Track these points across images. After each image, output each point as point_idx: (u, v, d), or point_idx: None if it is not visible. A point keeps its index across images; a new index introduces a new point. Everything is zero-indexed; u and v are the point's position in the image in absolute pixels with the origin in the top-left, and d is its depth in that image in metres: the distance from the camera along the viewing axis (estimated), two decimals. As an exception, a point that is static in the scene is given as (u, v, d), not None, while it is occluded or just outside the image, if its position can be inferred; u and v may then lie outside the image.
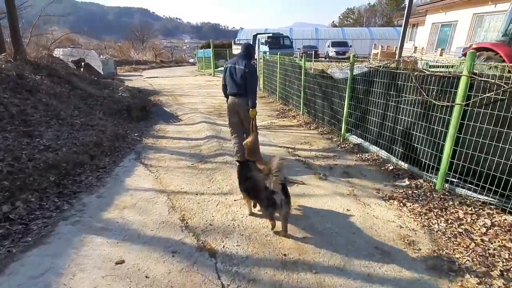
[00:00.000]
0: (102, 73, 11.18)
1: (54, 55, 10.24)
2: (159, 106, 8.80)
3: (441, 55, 14.09)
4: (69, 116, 4.64)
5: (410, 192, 3.22)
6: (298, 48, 23.43)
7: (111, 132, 4.76)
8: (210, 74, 17.25)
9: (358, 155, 4.51)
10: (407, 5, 7.65)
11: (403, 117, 3.73)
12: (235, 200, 3.07)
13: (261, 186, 2.35)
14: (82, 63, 9.27)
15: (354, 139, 4.94)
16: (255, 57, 19.88)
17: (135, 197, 3.11)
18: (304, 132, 5.90)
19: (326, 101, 5.77)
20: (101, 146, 4.15)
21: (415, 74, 3.46)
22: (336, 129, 5.47)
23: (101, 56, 18.45)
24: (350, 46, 26.38)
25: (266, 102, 9.16)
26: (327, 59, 20.28)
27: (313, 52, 20.18)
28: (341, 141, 5.16)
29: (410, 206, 2.96)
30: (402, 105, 3.73)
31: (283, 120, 6.95)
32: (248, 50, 3.83)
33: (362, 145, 4.70)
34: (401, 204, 3.01)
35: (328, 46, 26.02)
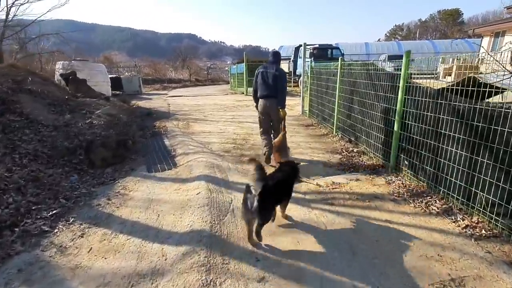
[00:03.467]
0: (108, 92, 9.21)
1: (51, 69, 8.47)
2: (159, 137, 6.10)
3: None
4: None
5: None
6: (348, 63, 19.95)
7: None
8: (243, 93, 14.66)
9: None
10: None
11: None
12: None
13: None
14: (71, 77, 7.29)
15: None
16: (297, 73, 17.06)
17: None
18: (420, 225, 2.48)
19: (491, 153, 2.33)
20: None
21: None
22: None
23: (127, 73, 17.24)
24: (413, 60, 21.93)
25: (315, 135, 5.89)
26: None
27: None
28: None
29: None
30: None
31: (356, 178, 3.59)
32: (277, 57, 4.18)
33: None
34: None
35: (384, 61, 22.01)
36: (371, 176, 3.60)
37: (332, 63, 6.09)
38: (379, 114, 3.96)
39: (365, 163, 4.04)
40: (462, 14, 62.88)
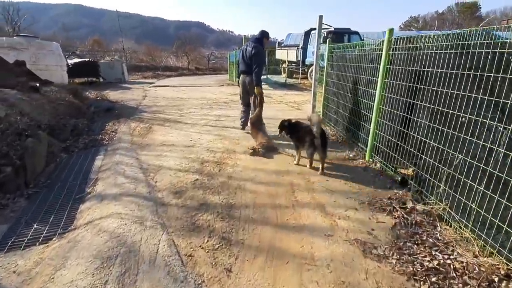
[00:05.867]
0: (63, 79, 7.10)
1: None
2: (92, 151, 3.97)
3: None
4: None
5: None
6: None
7: None
8: (241, 85, 12.36)
9: None
10: None
11: None
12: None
13: (307, 133, 3.06)
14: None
15: None
16: (306, 63, 14.60)
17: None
18: None
19: None
20: None
21: None
22: None
23: (107, 57, 15.03)
24: (440, 51, 19.14)
25: (334, 158, 3.60)
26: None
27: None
28: None
29: None
30: None
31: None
32: (262, 35, 4.28)
33: None
34: None
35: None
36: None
37: (366, 41, 3.78)
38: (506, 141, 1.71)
39: (460, 258, 1.81)
40: (481, 7, 58.94)
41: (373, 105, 3.26)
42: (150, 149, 3.99)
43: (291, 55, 14.58)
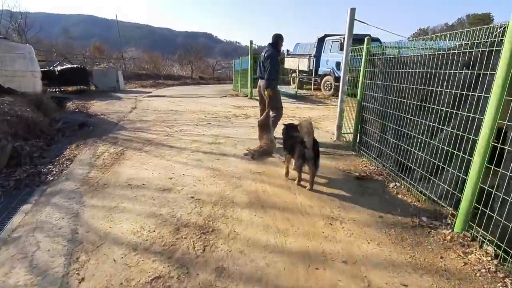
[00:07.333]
0: (35, 87, 5.89)
1: None
2: (23, 193, 2.63)
3: None
4: None
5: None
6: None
7: None
8: (247, 96, 11.05)
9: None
10: None
11: None
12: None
13: (297, 142, 2.72)
14: None
15: None
16: (320, 73, 13.33)
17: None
18: None
19: None
20: None
21: None
22: None
23: (102, 65, 13.97)
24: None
25: (395, 225, 2.16)
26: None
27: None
28: None
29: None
30: None
31: None
32: (276, 38, 4.21)
33: None
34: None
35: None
36: None
37: (452, 33, 2.42)
38: None
39: None
40: (493, 19, 57.86)
41: (475, 140, 1.85)
42: (104, 195, 2.62)
43: (303, 64, 13.30)
